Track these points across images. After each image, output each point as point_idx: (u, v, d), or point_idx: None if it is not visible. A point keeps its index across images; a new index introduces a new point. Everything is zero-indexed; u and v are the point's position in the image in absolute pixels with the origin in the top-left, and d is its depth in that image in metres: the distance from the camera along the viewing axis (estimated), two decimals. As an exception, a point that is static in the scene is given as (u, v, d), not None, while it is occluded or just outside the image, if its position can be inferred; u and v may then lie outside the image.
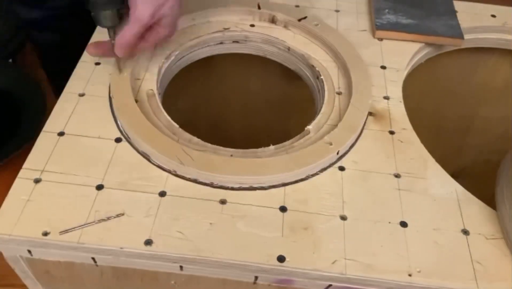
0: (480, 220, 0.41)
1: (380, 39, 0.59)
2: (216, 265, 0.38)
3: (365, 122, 0.48)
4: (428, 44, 0.59)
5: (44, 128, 0.45)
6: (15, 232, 0.38)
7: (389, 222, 0.41)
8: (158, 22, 0.47)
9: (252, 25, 0.59)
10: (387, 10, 0.61)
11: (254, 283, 0.40)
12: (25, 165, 0.42)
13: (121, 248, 0.37)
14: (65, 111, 0.47)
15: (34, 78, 0.75)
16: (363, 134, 0.48)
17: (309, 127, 0.47)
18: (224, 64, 0.62)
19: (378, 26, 0.59)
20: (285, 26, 0.59)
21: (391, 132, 0.48)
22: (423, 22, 0.60)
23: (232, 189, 0.42)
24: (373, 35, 0.59)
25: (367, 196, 0.43)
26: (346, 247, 0.39)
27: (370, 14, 0.62)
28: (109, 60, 0.51)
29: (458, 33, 0.59)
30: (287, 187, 0.43)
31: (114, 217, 0.39)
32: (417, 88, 0.61)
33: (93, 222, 0.38)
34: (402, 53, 0.57)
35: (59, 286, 0.46)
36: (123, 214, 0.39)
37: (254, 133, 0.72)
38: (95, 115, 0.47)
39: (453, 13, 0.62)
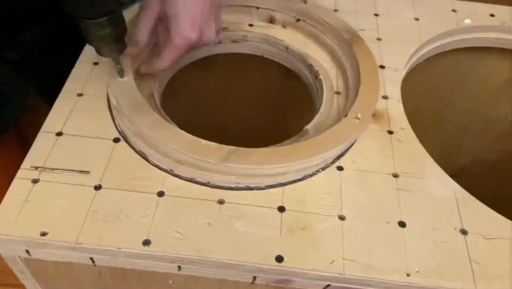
0: (478, 220, 0.41)
1: (379, 39, 0.58)
2: (214, 265, 0.38)
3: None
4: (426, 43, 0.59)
5: (42, 128, 0.45)
6: (13, 232, 0.38)
7: (387, 222, 0.41)
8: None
9: (251, 25, 0.59)
10: None
11: (252, 283, 0.40)
12: (23, 165, 0.42)
13: (119, 248, 0.37)
14: (63, 111, 0.47)
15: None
16: (361, 133, 0.47)
17: (308, 127, 0.47)
18: (222, 64, 0.61)
19: None
20: (284, 26, 0.59)
21: (390, 132, 0.48)
22: None
23: (229, 188, 0.42)
24: None
25: (366, 195, 0.43)
26: (344, 247, 0.39)
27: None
28: (107, 60, 0.51)
29: None
30: (285, 187, 0.42)
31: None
32: (415, 87, 0.60)
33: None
34: (401, 53, 0.57)
35: (57, 286, 0.46)
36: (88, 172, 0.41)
37: (252, 133, 0.72)
38: (93, 115, 0.47)
39: None
